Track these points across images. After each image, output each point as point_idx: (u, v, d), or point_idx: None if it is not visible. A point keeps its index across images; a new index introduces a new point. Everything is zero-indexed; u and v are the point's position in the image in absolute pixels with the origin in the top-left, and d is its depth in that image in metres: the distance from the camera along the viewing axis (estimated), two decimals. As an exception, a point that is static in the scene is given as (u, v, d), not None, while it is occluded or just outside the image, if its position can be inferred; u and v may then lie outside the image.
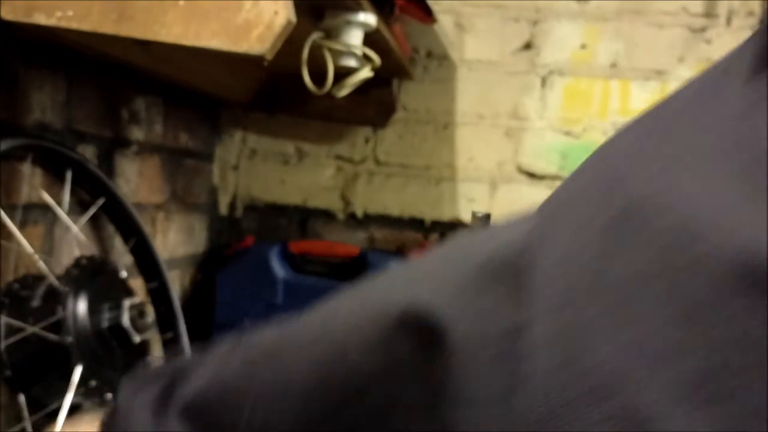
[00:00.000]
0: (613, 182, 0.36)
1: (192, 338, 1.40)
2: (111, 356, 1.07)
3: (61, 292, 1.03)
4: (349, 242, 1.85)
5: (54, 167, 1.18)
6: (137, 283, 1.38)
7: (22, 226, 1.12)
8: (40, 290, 1.05)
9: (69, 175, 1.17)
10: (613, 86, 1.76)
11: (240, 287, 1.73)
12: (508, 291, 0.36)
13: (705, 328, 0.29)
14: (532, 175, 1.79)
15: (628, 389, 0.30)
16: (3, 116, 1.07)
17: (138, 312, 1.11)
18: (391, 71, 1.70)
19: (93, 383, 1.03)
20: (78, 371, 1.01)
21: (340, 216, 1.88)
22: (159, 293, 1.38)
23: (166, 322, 1.39)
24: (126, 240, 1.34)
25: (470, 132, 1.81)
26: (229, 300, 1.74)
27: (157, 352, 1.47)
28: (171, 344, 1.39)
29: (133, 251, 1.35)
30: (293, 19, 0.73)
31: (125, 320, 1.08)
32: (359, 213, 1.87)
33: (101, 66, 1.29)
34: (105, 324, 1.06)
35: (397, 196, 1.85)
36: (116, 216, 1.31)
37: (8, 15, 0.77)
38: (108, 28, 0.76)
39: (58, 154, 1.16)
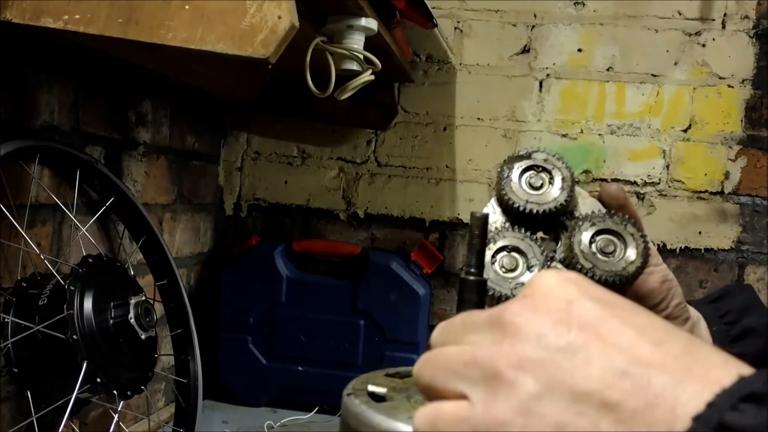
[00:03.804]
0: None
1: (198, 335, 1.41)
2: (117, 353, 1.07)
3: (67, 291, 1.03)
4: (351, 241, 1.87)
5: (62, 168, 1.19)
6: (147, 280, 1.38)
7: (30, 226, 1.13)
8: (48, 289, 1.05)
9: (78, 175, 1.18)
10: (609, 89, 1.77)
11: (245, 285, 1.75)
12: None
13: None
14: (530, 177, 1.80)
15: None
16: (11, 118, 1.08)
17: (144, 309, 1.11)
18: (392, 75, 1.71)
19: (99, 379, 1.03)
20: (84, 368, 1.01)
21: (343, 216, 1.90)
22: (169, 290, 1.38)
23: (176, 319, 1.39)
24: (136, 238, 1.34)
25: (469, 134, 1.83)
26: (235, 297, 1.75)
27: (167, 347, 1.48)
28: (181, 340, 1.39)
29: (143, 249, 1.36)
30: (296, 23, 0.74)
31: (131, 317, 1.08)
32: (361, 213, 1.89)
33: (109, 69, 1.30)
34: (111, 321, 1.06)
35: (397, 197, 1.87)
36: (126, 215, 1.32)
37: (16, 18, 0.78)
38: (115, 31, 0.76)
39: (67, 155, 1.17)
